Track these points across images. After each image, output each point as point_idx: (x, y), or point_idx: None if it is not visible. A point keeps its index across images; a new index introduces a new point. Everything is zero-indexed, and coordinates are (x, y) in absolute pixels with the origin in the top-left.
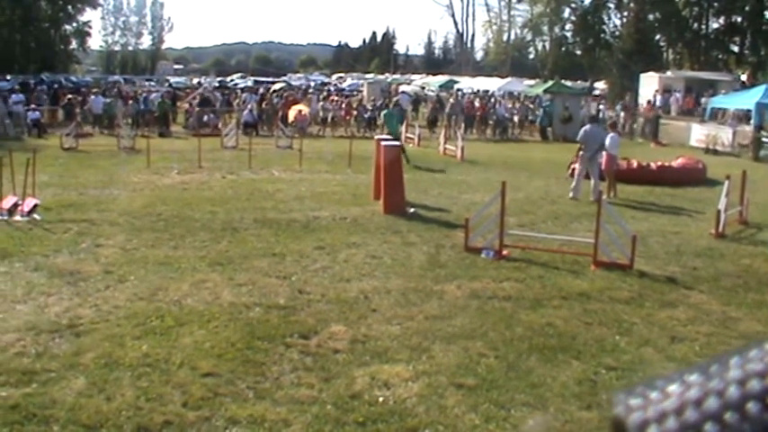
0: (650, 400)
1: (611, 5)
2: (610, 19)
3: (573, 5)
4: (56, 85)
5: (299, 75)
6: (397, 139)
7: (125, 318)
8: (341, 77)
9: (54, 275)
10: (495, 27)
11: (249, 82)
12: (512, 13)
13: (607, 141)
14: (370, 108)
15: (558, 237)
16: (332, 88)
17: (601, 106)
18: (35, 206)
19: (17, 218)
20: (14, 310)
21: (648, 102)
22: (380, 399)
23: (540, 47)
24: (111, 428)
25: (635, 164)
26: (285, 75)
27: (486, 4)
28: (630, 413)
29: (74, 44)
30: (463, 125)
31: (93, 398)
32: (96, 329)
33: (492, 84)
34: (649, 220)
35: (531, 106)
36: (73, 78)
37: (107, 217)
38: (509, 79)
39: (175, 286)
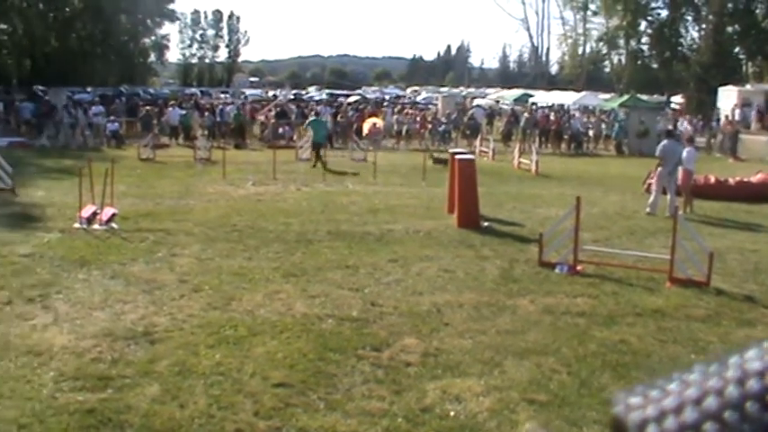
0: (650, 399)
1: (689, 18)
2: (687, 32)
3: (649, 18)
4: (135, 97)
5: (373, 88)
6: (321, 146)
7: (199, 326)
8: (415, 91)
9: (130, 283)
10: (570, 40)
11: (324, 95)
12: (587, 26)
13: (684, 156)
14: (445, 122)
15: (633, 252)
16: (406, 101)
17: (685, 122)
18: (113, 215)
19: (96, 226)
20: (92, 316)
21: (727, 116)
22: (451, 413)
23: (615, 60)
24: None
25: (712, 179)
26: (360, 88)
27: (562, 18)
28: (630, 412)
29: (152, 57)
30: (538, 139)
31: (166, 405)
32: (171, 337)
33: (567, 98)
34: (727, 237)
35: (607, 120)
36: (151, 90)
37: (183, 227)
38: (584, 93)
39: (249, 296)
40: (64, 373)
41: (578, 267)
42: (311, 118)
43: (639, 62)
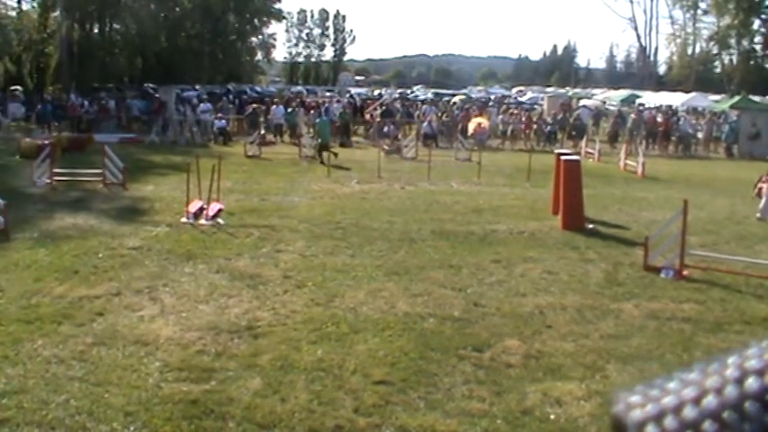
0: (649, 398)
1: None
2: None
3: (763, 16)
4: (244, 96)
5: (479, 87)
6: (327, 146)
7: (302, 322)
8: (521, 91)
9: (235, 278)
10: (679, 40)
11: (429, 94)
12: (697, 25)
13: None
14: (550, 122)
15: (743, 259)
16: (511, 101)
17: None
18: (219, 211)
19: (202, 221)
20: (197, 309)
21: None
22: (552, 416)
23: (726, 60)
24: (284, 429)
25: None
26: (465, 87)
27: (671, 17)
28: (629, 411)
29: (259, 56)
30: (645, 141)
31: (267, 398)
32: (273, 332)
33: (675, 99)
34: None
35: (717, 122)
36: (257, 88)
37: (287, 223)
38: (693, 94)
39: (351, 294)
40: (169, 363)
41: (685, 272)
42: (318, 119)
43: (752, 62)
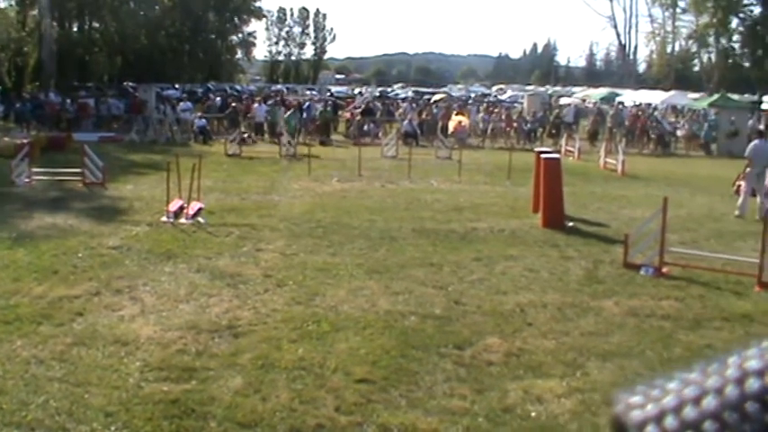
0: (650, 398)
1: None
2: None
3: (741, 15)
4: (224, 93)
5: (459, 86)
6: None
7: (282, 321)
8: (501, 89)
9: (216, 277)
10: (658, 38)
11: (410, 92)
12: (676, 23)
13: None
14: (530, 120)
15: (721, 255)
16: (492, 100)
17: None
18: (199, 210)
19: (182, 220)
20: (177, 309)
21: None
22: (533, 413)
23: (705, 59)
24: (266, 428)
25: None
26: (445, 86)
27: (650, 15)
28: (630, 411)
29: (239, 54)
30: (624, 139)
31: (249, 397)
32: (254, 331)
33: (655, 97)
34: None
35: (696, 120)
36: (237, 87)
37: (268, 222)
38: (672, 92)
39: (332, 292)
40: (149, 363)
41: (664, 270)
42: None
43: (730, 61)
